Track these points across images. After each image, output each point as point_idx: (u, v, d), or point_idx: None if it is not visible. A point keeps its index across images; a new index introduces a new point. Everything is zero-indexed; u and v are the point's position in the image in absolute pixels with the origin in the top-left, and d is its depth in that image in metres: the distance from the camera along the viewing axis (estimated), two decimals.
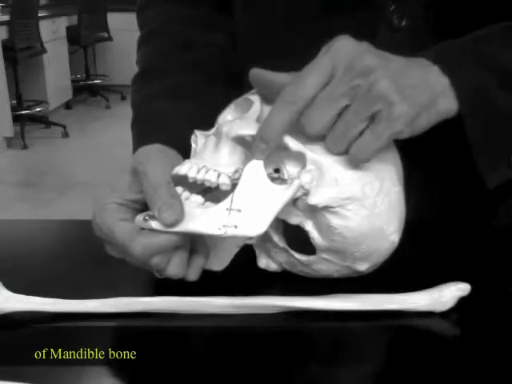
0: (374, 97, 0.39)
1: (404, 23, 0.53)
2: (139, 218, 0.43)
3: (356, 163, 0.41)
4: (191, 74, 0.58)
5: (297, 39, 0.56)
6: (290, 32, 0.58)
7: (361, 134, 0.40)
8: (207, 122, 0.49)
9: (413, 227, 0.46)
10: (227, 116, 0.48)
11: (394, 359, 0.40)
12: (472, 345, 0.41)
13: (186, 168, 0.43)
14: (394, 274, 0.46)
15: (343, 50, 0.40)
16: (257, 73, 0.44)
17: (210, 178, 0.42)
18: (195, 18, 0.63)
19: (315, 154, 0.42)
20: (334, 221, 0.42)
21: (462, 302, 0.44)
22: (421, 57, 0.43)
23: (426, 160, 0.54)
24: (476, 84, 0.43)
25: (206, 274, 0.46)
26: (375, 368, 0.39)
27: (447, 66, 0.42)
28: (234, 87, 0.58)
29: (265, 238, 0.46)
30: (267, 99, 0.45)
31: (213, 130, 0.46)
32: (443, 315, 0.44)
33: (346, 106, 0.40)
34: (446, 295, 0.43)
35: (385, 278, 0.46)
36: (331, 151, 0.41)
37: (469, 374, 0.38)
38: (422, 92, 0.41)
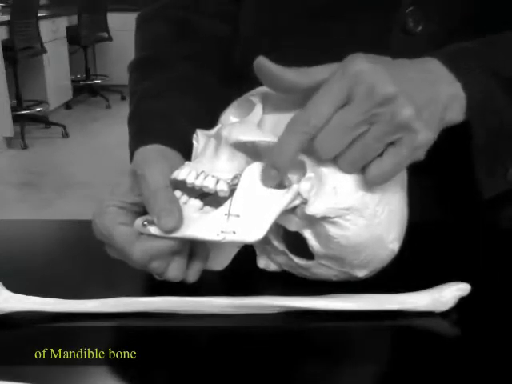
0: (396, 125, 0.38)
1: (420, 28, 0.52)
2: (138, 222, 0.43)
3: (372, 185, 0.41)
4: (192, 66, 0.57)
5: (308, 37, 0.56)
6: (301, 30, 0.57)
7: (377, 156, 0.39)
8: (208, 118, 0.48)
9: (413, 227, 0.46)
10: (229, 116, 0.48)
11: (394, 359, 0.40)
12: (472, 345, 0.41)
13: (185, 173, 0.43)
14: (394, 274, 0.45)
15: (359, 76, 0.38)
16: (263, 64, 0.41)
17: (208, 184, 0.41)
18: (201, 3, 0.61)
19: (315, 161, 0.41)
20: (333, 230, 0.42)
21: (462, 302, 0.44)
22: (430, 58, 0.43)
23: (426, 161, 0.54)
24: (484, 89, 0.43)
25: (206, 274, 0.46)
26: (375, 368, 0.39)
27: (459, 68, 0.42)
28: (233, 84, 0.57)
29: (264, 241, 0.46)
30: (269, 97, 0.45)
31: (214, 130, 0.45)
32: (443, 315, 0.44)
33: (363, 132, 0.39)
34: (446, 295, 0.43)
35: (385, 278, 0.45)
36: (344, 171, 0.40)
37: (469, 374, 0.38)
38: (435, 111, 0.40)
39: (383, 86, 0.37)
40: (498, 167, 0.46)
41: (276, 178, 0.41)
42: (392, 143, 0.39)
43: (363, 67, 0.38)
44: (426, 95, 0.40)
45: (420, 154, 0.40)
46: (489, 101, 0.44)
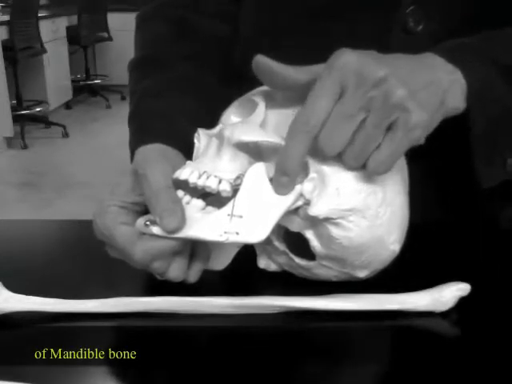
0: (390, 106, 0.38)
1: (421, 27, 0.52)
2: (140, 222, 0.42)
3: (373, 176, 0.41)
4: (192, 66, 0.57)
5: (308, 37, 0.56)
6: (301, 30, 0.57)
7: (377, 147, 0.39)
8: (208, 118, 0.48)
9: (413, 228, 0.46)
10: (230, 116, 0.47)
11: (394, 359, 0.40)
12: (472, 345, 0.41)
13: (187, 173, 0.42)
14: (394, 274, 0.45)
15: (348, 66, 0.38)
16: (262, 61, 0.41)
17: (211, 184, 0.41)
18: (201, 3, 0.61)
19: (318, 162, 0.41)
20: (335, 231, 0.41)
21: (462, 302, 0.44)
22: (428, 53, 0.43)
23: (426, 161, 0.54)
24: (483, 77, 0.43)
25: (206, 274, 0.46)
26: (375, 368, 0.39)
27: (457, 61, 0.42)
28: (233, 84, 0.57)
29: (265, 241, 0.46)
30: (271, 97, 0.44)
31: (216, 130, 0.45)
32: (443, 315, 0.44)
33: (363, 120, 0.38)
34: (446, 295, 0.43)
35: (385, 277, 0.45)
36: (350, 167, 0.40)
37: (469, 374, 0.38)
38: (433, 93, 0.40)
39: (372, 70, 0.38)
40: (496, 157, 0.46)
41: (288, 185, 0.40)
42: (389, 130, 0.39)
43: (349, 59, 0.39)
44: (421, 78, 0.40)
45: (417, 136, 0.39)
46: (488, 90, 0.44)
